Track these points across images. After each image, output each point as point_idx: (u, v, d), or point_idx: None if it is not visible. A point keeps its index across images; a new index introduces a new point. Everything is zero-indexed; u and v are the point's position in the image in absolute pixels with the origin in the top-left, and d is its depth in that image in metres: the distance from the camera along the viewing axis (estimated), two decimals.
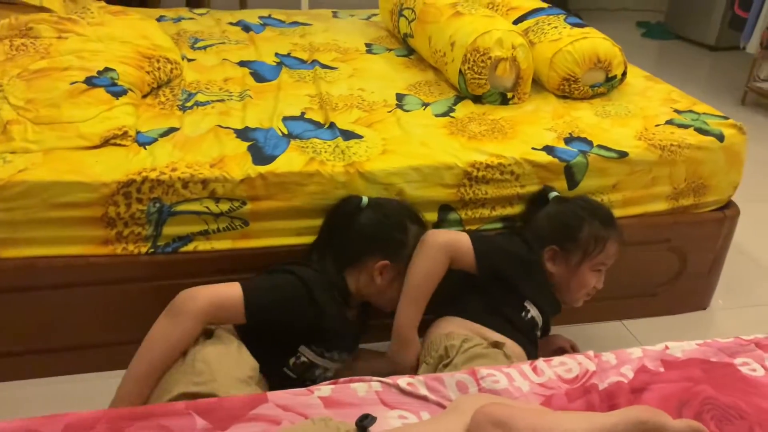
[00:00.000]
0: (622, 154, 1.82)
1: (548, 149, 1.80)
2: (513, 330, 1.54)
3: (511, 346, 1.49)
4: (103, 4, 2.32)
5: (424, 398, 1.16)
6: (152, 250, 1.63)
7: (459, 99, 2.10)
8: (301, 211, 1.67)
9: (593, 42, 2.13)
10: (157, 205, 1.59)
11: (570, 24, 2.23)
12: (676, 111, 2.07)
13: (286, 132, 1.81)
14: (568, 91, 2.13)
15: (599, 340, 1.94)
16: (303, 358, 1.48)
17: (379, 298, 1.59)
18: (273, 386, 1.43)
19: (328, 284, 1.49)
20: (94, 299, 1.65)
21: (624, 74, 2.19)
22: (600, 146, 1.84)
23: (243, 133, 1.78)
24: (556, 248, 1.60)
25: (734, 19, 4.18)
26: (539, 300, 1.59)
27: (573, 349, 1.77)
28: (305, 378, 1.49)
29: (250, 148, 1.71)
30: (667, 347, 1.31)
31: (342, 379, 1.21)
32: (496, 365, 1.27)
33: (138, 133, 1.75)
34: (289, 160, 1.67)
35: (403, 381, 1.19)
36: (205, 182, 1.60)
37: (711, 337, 1.36)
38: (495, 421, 0.90)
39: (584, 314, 1.96)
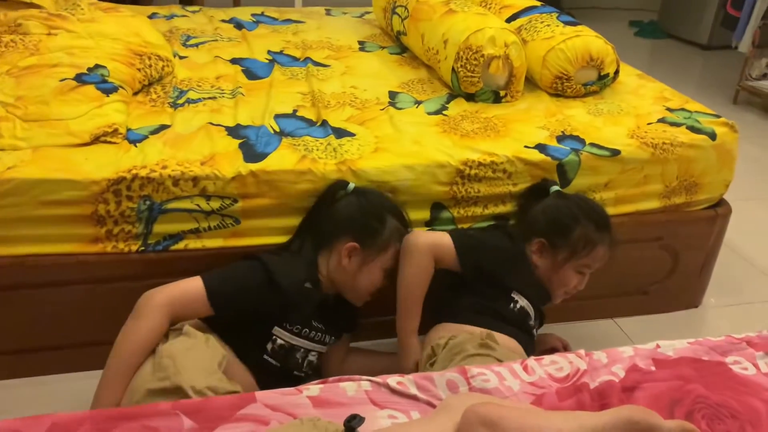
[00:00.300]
0: (615, 153, 1.82)
1: (541, 147, 1.80)
2: (505, 324, 1.54)
3: (503, 339, 1.49)
4: (94, 0, 2.30)
5: (414, 397, 1.16)
6: (143, 248, 1.62)
7: (452, 97, 2.10)
8: (292, 209, 1.66)
9: (586, 40, 2.13)
10: (148, 202, 1.58)
11: (563, 22, 2.23)
12: (669, 109, 2.07)
13: (278, 129, 1.80)
14: (561, 89, 2.13)
15: (591, 338, 1.94)
16: (279, 341, 1.48)
17: (346, 286, 1.58)
18: (258, 379, 1.45)
19: (296, 264, 1.51)
20: (83, 298, 1.64)
21: (616, 73, 2.19)
22: (592, 144, 1.84)
23: (234, 131, 1.77)
24: (545, 241, 1.61)
25: (726, 18, 4.20)
26: (525, 289, 1.59)
27: (565, 349, 1.77)
28: (289, 365, 1.50)
29: (241, 146, 1.70)
30: (658, 346, 1.31)
31: (331, 378, 1.21)
32: (477, 351, 1.26)
33: (128, 130, 1.73)
34: (281, 158, 1.66)
35: (392, 380, 1.18)
36: (195, 180, 1.59)
37: (703, 335, 1.37)
38: (485, 421, 0.90)
39: (576, 312, 1.97)
